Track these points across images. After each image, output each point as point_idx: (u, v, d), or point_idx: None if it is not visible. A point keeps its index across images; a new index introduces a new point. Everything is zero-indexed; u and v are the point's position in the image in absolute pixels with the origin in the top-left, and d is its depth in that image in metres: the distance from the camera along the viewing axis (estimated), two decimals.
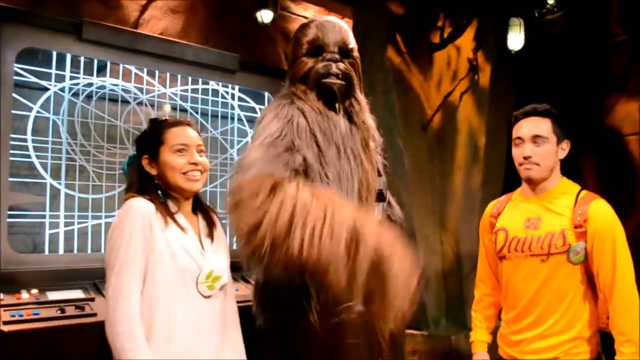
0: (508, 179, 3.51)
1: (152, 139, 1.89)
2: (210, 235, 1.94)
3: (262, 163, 1.91)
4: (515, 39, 3.72)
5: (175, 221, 1.82)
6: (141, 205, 1.77)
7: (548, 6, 4.21)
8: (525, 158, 2.17)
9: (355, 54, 2.37)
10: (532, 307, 2.13)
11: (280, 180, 1.80)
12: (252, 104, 3.62)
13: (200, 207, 1.99)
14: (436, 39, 3.96)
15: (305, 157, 2.06)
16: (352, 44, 2.36)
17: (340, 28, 2.34)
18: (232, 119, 3.56)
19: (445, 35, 3.94)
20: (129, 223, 1.72)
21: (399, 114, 3.65)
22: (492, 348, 2.36)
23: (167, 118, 1.95)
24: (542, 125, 2.18)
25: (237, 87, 3.57)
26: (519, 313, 2.17)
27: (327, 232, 1.72)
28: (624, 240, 2.07)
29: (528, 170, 2.17)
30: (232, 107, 3.56)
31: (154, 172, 1.87)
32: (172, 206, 1.87)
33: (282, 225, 1.70)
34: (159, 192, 1.88)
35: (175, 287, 1.77)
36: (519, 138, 2.20)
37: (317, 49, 2.27)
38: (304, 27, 2.38)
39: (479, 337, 2.37)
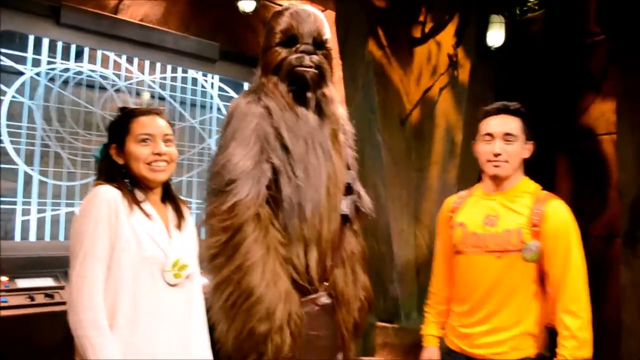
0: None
1: (119, 128, 1.87)
2: (179, 225, 1.94)
3: (235, 185, 2.08)
4: (496, 36, 3.74)
5: (141, 208, 1.82)
6: (107, 192, 1.75)
7: (529, 4, 4.25)
8: (496, 155, 2.17)
9: (329, 45, 2.37)
10: (484, 302, 2.17)
11: (244, 224, 2.05)
12: (232, 93, 3.61)
13: (170, 197, 1.99)
14: (417, 33, 3.96)
15: (274, 164, 2.15)
16: (327, 34, 2.35)
17: (316, 18, 2.33)
18: (211, 108, 3.55)
19: (427, 30, 3.94)
20: (95, 210, 1.71)
21: (378, 107, 3.66)
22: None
23: (137, 107, 1.94)
24: (512, 124, 2.21)
25: (217, 77, 3.56)
26: (472, 307, 2.21)
27: (245, 307, 2.01)
28: (579, 241, 2.11)
29: (497, 167, 2.18)
30: (212, 97, 3.55)
31: (120, 161, 1.86)
32: (140, 194, 1.86)
33: (226, 272, 2.03)
34: (127, 180, 1.88)
35: (140, 274, 1.76)
36: (489, 134, 2.20)
37: (291, 38, 2.27)
38: (277, 14, 2.36)
39: (430, 331, 2.41)
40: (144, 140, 1.84)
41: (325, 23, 2.36)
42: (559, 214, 2.13)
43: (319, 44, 2.30)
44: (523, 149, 2.23)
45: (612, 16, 3.56)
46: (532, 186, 2.24)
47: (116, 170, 1.85)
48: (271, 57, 2.29)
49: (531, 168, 4.22)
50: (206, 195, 2.20)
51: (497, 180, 2.22)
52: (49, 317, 2.24)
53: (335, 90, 2.45)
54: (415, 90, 3.86)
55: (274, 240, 2.13)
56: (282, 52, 2.26)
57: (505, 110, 2.23)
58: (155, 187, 1.90)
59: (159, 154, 1.85)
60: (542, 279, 2.15)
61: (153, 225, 1.82)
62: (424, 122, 3.81)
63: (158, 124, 1.88)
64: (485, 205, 2.24)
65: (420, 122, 3.82)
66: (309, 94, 2.28)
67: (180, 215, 1.94)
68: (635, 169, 3.13)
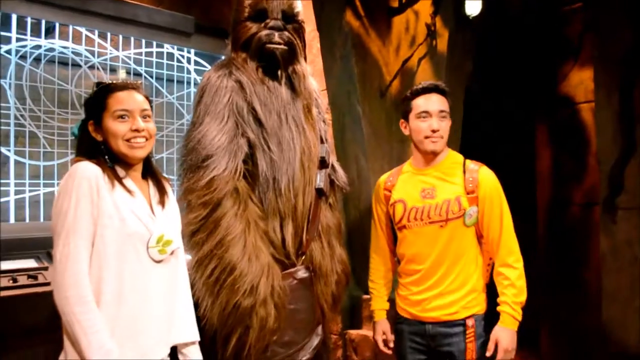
0: (464, 142, 3.57)
1: (95, 104, 1.83)
2: (162, 202, 1.92)
3: (212, 160, 2.10)
4: (473, 5, 3.72)
5: (122, 184, 1.80)
6: (88, 169, 1.73)
7: None
8: (434, 131, 2.33)
9: (300, 17, 2.35)
10: (434, 269, 2.34)
11: (223, 198, 2.08)
12: (208, 67, 3.54)
13: (151, 173, 1.96)
14: (395, 3, 3.92)
15: (249, 138, 2.13)
16: (298, 7, 2.33)
17: None
18: (188, 83, 3.50)
19: None
20: (75, 187, 1.69)
21: (357, 79, 3.63)
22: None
23: (114, 82, 1.89)
24: (445, 102, 2.39)
25: (192, 51, 3.49)
26: (422, 276, 2.37)
27: (228, 282, 2.05)
28: (506, 202, 2.34)
29: (434, 143, 2.34)
30: (188, 71, 3.49)
31: (99, 138, 1.83)
32: (120, 171, 1.84)
33: (207, 248, 2.07)
34: (107, 157, 1.84)
35: (124, 251, 1.75)
36: (426, 112, 2.35)
37: (260, 13, 2.25)
38: None
39: (378, 305, 2.58)
40: (121, 117, 1.81)
41: None
42: (490, 179, 2.35)
43: (289, 17, 2.28)
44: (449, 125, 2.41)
45: None
46: (459, 157, 2.44)
47: (95, 147, 1.82)
48: (240, 32, 2.27)
49: (511, 136, 4.25)
50: (182, 171, 2.19)
51: (430, 155, 2.38)
52: (33, 298, 2.21)
53: (307, 65, 2.45)
54: (395, 60, 3.84)
55: (253, 214, 2.14)
56: (252, 27, 2.24)
57: (436, 89, 2.39)
58: (135, 163, 1.87)
59: (137, 130, 1.82)
60: (478, 240, 2.37)
61: (135, 201, 1.81)
62: (403, 93, 3.78)
63: (135, 99, 1.84)
64: (419, 180, 2.40)
65: (400, 93, 3.80)
66: (280, 71, 2.27)
67: (162, 192, 1.93)
68: (613, 136, 3.17)
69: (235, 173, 2.12)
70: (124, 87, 1.85)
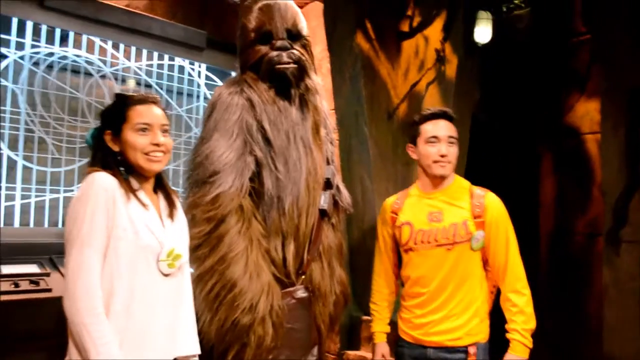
0: (469, 169, 3.57)
1: (115, 115, 1.85)
2: (171, 215, 1.93)
3: (219, 176, 2.11)
4: (483, 33, 3.77)
5: (137, 197, 1.80)
6: (105, 180, 1.73)
7: (516, 1, 4.28)
8: (443, 156, 2.36)
9: (305, 32, 2.36)
10: (439, 292, 2.34)
11: (227, 215, 2.07)
12: (219, 82, 3.57)
13: (162, 186, 1.97)
14: (405, 27, 3.97)
15: (257, 156, 2.14)
16: (301, 23, 2.35)
17: (287, 9, 2.32)
18: (198, 97, 3.52)
19: (415, 24, 3.95)
20: (92, 197, 1.69)
21: (365, 100, 3.65)
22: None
23: (134, 94, 1.91)
24: (453, 128, 2.42)
25: (203, 65, 3.52)
26: (427, 299, 2.36)
27: (228, 299, 2.05)
28: (512, 229, 2.36)
29: (443, 167, 2.37)
30: (198, 85, 3.51)
31: (116, 148, 1.84)
32: (134, 183, 1.85)
33: (209, 263, 2.07)
34: (122, 168, 1.85)
35: (136, 263, 1.75)
36: (435, 137, 2.38)
37: (265, 35, 2.27)
38: (247, 11, 2.34)
39: (379, 328, 2.58)
40: (142, 130, 1.82)
41: (298, 12, 2.35)
42: (497, 204, 2.37)
43: (294, 35, 2.30)
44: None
45: (597, 15, 3.60)
46: (465, 183, 2.47)
47: (111, 157, 1.83)
48: (249, 56, 2.30)
49: (516, 165, 4.27)
50: (187, 185, 2.20)
51: (438, 180, 2.40)
52: (34, 304, 2.20)
53: (319, 81, 2.46)
54: (403, 84, 3.86)
55: (256, 232, 2.14)
56: (260, 50, 2.27)
57: (444, 115, 2.43)
58: (150, 176, 1.88)
59: (157, 145, 1.83)
60: (483, 265, 2.39)
61: (148, 215, 1.81)
62: (411, 116, 3.80)
63: (156, 114, 1.87)
64: (426, 204, 2.42)
65: (407, 116, 3.82)
66: (293, 90, 2.29)
67: (172, 205, 1.93)
68: (619, 168, 3.18)
69: (241, 190, 2.13)
70: (144, 100, 1.87)
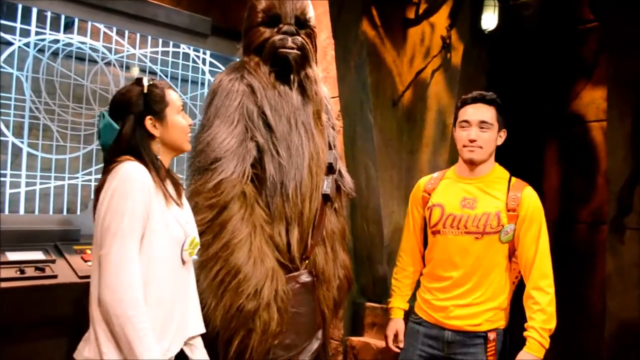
0: None
1: (157, 99, 1.86)
2: (180, 202, 1.94)
3: (221, 163, 2.12)
4: (489, 20, 3.73)
5: (165, 189, 1.83)
6: (143, 173, 1.75)
7: None
8: (471, 141, 2.34)
9: (312, 23, 2.36)
10: (465, 280, 2.33)
11: (230, 201, 2.08)
12: (223, 69, 3.57)
13: (168, 169, 1.99)
14: (411, 14, 3.94)
15: (258, 142, 2.15)
16: (310, 13, 2.35)
17: None
18: (203, 84, 3.52)
19: (421, 11, 3.92)
20: (134, 190, 1.70)
21: (370, 88, 3.64)
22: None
23: (155, 80, 1.92)
24: (488, 112, 2.36)
25: (208, 52, 3.52)
26: (452, 284, 2.35)
27: (233, 285, 2.05)
28: (545, 225, 2.33)
29: (472, 152, 2.35)
30: (203, 72, 3.51)
31: (157, 133, 1.85)
32: (162, 171, 1.87)
33: (213, 250, 2.08)
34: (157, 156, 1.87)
35: (167, 254, 1.79)
36: (466, 121, 2.37)
37: (273, 18, 2.27)
38: None
39: (397, 304, 2.57)
40: (180, 112, 1.90)
41: (309, 2, 2.35)
42: (533, 200, 2.33)
43: (302, 23, 2.30)
44: (496, 137, 2.40)
45: (604, 3, 3.57)
46: (505, 173, 2.44)
47: (147, 144, 1.84)
48: (253, 37, 2.29)
49: (520, 153, 4.25)
50: (189, 173, 2.21)
51: (472, 165, 2.39)
52: (39, 290, 2.23)
53: (319, 72, 2.46)
54: (408, 71, 3.85)
55: (259, 218, 2.15)
56: (265, 32, 2.26)
57: (481, 100, 2.39)
58: (170, 160, 1.94)
59: (190, 125, 1.93)
60: (509, 258, 2.36)
61: (173, 205, 1.84)
62: (416, 104, 3.81)
63: (180, 97, 1.95)
64: (461, 188, 2.40)
65: (412, 104, 3.81)
66: (292, 76, 2.29)
67: (179, 190, 1.95)
68: (624, 156, 3.16)
69: (243, 177, 2.14)
70: (167, 85, 1.93)
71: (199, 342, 1.96)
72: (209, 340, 2.06)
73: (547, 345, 2.24)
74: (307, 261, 2.32)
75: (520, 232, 2.31)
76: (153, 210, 1.74)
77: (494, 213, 2.30)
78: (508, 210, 2.30)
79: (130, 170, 1.73)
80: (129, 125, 1.83)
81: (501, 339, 2.34)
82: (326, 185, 2.37)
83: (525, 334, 2.27)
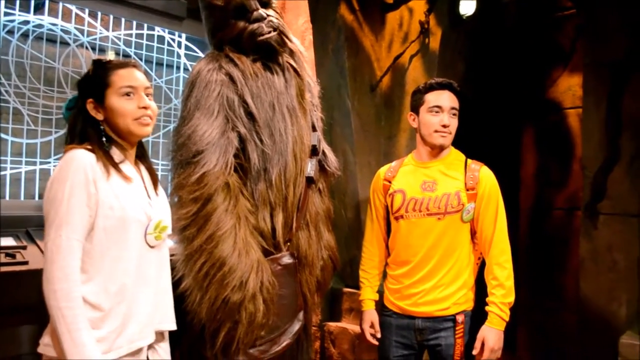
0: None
1: (97, 81, 1.79)
2: (154, 184, 1.91)
3: (203, 155, 2.05)
4: (467, 5, 3.72)
5: (119, 171, 1.76)
6: (83, 158, 1.68)
7: None
8: (444, 126, 2.40)
9: None
10: (426, 261, 2.39)
11: (214, 194, 2.03)
12: (199, 53, 3.51)
13: (142, 155, 1.94)
14: None
15: (239, 132, 2.15)
16: None
17: None
18: (178, 68, 3.46)
19: None
20: (71, 177, 1.65)
21: (348, 73, 3.63)
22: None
23: (112, 59, 1.86)
24: (456, 100, 2.45)
25: (184, 35, 3.46)
26: (414, 267, 2.41)
27: (218, 277, 2.00)
28: (502, 202, 2.41)
29: (443, 137, 2.41)
30: (178, 56, 3.45)
31: (100, 116, 1.79)
32: (118, 154, 1.81)
33: (197, 243, 2.00)
34: (104, 139, 1.81)
35: (125, 238, 1.74)
36: (439, 107, 2.41)
37: (238, 9, 2.25)
38: None
39: (368, 295, 2.61)
40: (127, 94, 1.78)
41: None
42: (490, 178, 2.41)
43: (264, 3, 2.29)
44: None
45: None
46: (461, 155, 2.51)
47: (92, 128, 1.78)
48: (225, 32, 2.26)
49: (497, 139, 4.28)
50: (172, 167, 2.17)
51: (436, 149, 2.45)
52: (10, 277, 2.18)
53: (299, 43, 2.45)
54: (386, 56, 3.83)
55: (244, 209, 2.13)
56: (238, 24, 2.24)
57: (450, 87, 2.45)
58: (134, 144, 1.85)
59: (145, 107, 1.79)
60: (472, 237, 2.43)
61: (133, 187, 1.78)
62: (394, 89, 3.80)
63: (138, 77, 1.83)
64: (421, 173, 2.46)
65: (391, 89, 3.80)
66: (279, 58, 2.27)
67: (154, 175, 1.91)
68: (599, 142, 3.19)
69: (226, 168, 2.11)
70: (125, 64, 1.83)
71: (164, 347, 1.94)
72: (195, 333, 2.06)
73: (507, 319, 2.32)
74: (289, 243, 2.31)
75: (480, 209, 2.38)
76: (104, 195, 1.69)
77: (454, 193, 2.36)
78: (467, 190, 2.36)
79: (72, 158, 1.68)
80: (75, 110, 1.80)
81: (469, 321, 2.41)
82: (310, 167, 2.36)
83: (486, 308, 2.35)
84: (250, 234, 2.13)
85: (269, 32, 2.24)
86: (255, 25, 2.23)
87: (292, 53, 2.35)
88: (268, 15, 2.26)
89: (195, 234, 2.04)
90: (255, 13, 2.23)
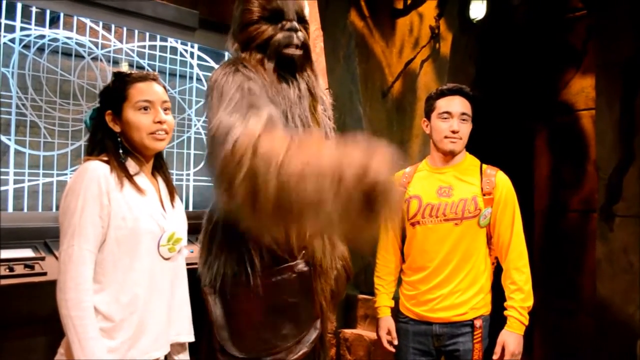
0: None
1: (115, 94, 1.80)
2: (171, 196, 1.92)
3: (238, 124, 1.77)
4: (477, 9, 3.73)
5: (133, 183, 1.77)
6: (97, 170, 1.70)
7: None
8: (454, 132, 2.39)
9: (308, 18, 2.34)
10: (443, 267, 2.38)
11: (258, 135, 1.64)
12: (212, 63, 3.55)
13: (160, 166, 1.95)
14: (399, 4, 3.93)
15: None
16: (306, 9, 2.32)
17: None
18: (191, 78, 3.49)
19: (409, 1, 3.92)
20: (84, 188, 1.66)
21: (360, 79, 3.64)
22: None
23: (133, 72, 1.87)
24: (467, 105, 2.44)
25: (196, 46, 3.49)
26: (430, 273, 2.40)
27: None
28: (518, 207, 2.41)
29: (453, 143, 2.40)
30: (191, 66, 3.49)
31: (117, 129, 1.80)
32: (134, 166, 1.81)
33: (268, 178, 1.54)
34: (120, 150, 1.83)
35: (138, 250, 1.74)
36: (448, 113, 2.41)
37: (276, 14, 2.21)
38: None
39: (383, 302, 2.59)
40: (144, 108, 1.78)
41: None
42: (506, 183, 2.41)
43: (301, 19, 2.26)
44: (470, 128, 2.46)
45: None
46: (476, 161, 2.50)
47: (111, 140, 1.80)
48: (254, 34, 2.22)
49: (510, 142, 4.26)
50: (209, 163, 2.01)
51: (448, 155, 2.44)
52: (29, 288, 2.21)
53: (316, 63, 2.44)
54: (397, 62, 3.84)
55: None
56: (268, 29, 2.19)
57: (461, 92, 2.44)
58: (151, 157, 1.86)
59: (160, 122, 1.79)
60: (488, 241, 2.42)
61: (147, 199, 1.79)
62: (405, 95, 3.81)
63: (156, 91, 1.82)
64: (436, 178, 2.45)
65: (402, 95, 3.81)
66: (297, 74, 2.25)
67: (171, 187, 1.92)
68: (613, 144, 3.17)
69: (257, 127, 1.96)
70: (144, 77, 1.83)
71: (184, 359, 1.94)
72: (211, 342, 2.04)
73: (526, 323, 2.31)
74: (303, 251, 2.31)
75: (496, 214, 2.37)
76: (117, 206, 1.70)
77: (471, 198, 2.36)
78: (484, 194, 2.36)
79: (86, 170, 1.69)
80: (96, 121, 1.82)
81: (487, 325, 2.41)
82: None
83: (505, 313, 2.34)
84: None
85: (296, 47, 2.21)
86: (285, 34, 2.20)
87: (309, 77, 2.32)
88: (301, 31, 2.24)
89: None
90: (289, 23, 2.21)
